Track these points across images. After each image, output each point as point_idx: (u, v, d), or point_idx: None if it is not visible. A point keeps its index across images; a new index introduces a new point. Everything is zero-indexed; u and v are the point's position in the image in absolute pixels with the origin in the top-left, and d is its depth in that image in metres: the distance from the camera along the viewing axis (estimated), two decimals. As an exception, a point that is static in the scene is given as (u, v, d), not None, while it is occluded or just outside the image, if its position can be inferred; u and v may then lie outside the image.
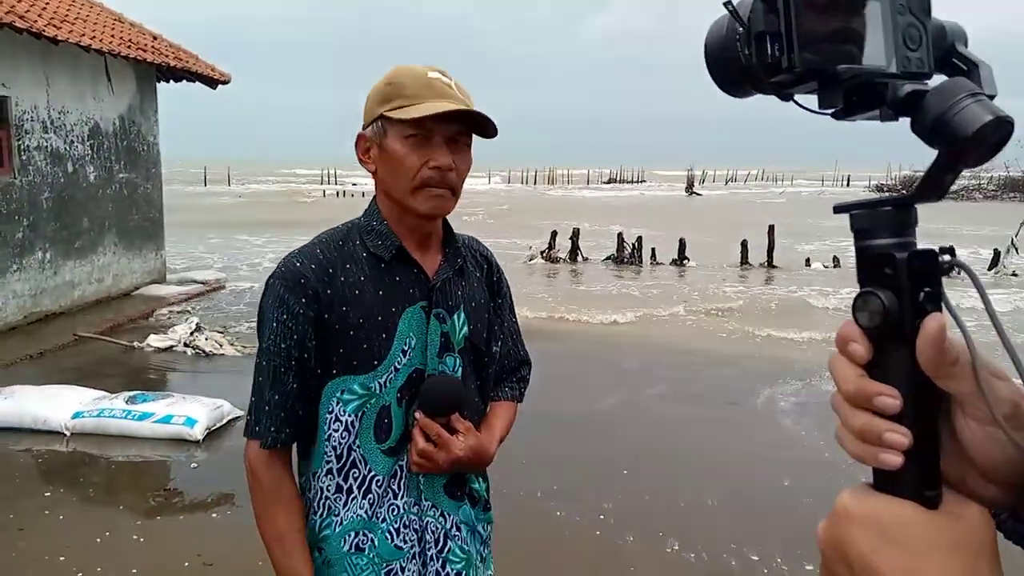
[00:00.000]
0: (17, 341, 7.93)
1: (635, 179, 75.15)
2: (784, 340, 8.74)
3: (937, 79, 0.52)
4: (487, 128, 1.37)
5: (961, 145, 0.48)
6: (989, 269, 14.13)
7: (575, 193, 51.25)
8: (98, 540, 3.75)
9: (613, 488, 4.49)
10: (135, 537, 3.78)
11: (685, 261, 14.82)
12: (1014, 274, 13.77)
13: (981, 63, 0.53)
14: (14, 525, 3.90)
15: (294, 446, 1.44)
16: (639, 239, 15.24)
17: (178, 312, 9.51)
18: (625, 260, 15.04)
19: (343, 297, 1.36)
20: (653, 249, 15.07)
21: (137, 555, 3.64)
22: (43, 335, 8.20)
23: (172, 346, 7.52)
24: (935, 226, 19.52)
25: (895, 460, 0.50)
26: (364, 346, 1.36)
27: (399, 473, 1.40)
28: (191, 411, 5.08)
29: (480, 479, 1.55)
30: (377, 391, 1.37)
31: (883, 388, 0.51)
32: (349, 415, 1.37)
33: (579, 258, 15.27)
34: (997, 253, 14.31)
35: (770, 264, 14.51)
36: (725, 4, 0.52)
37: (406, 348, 1.39)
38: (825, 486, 4.42)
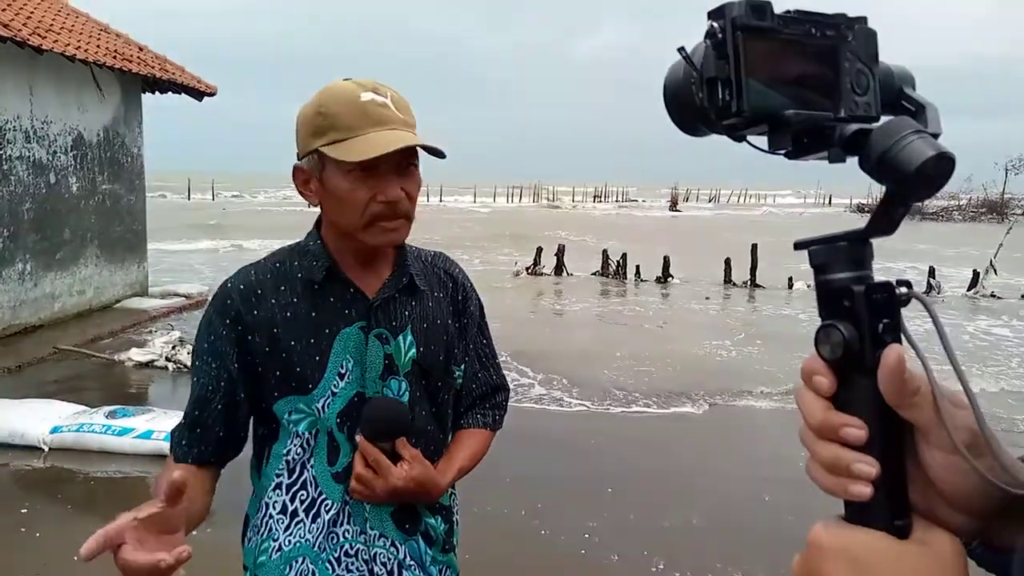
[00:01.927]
0: (-5, 353, 7.82)
1: (620, 197, 75.57)
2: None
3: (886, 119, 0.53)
4: (436, 152, 1.28)
5: (905, 180, 0.50)
6: (968, 290, 14.29)
7: (561, 210, 51.45)
8: (75, 558, 3.65)
9: (598, 507, 4.47)
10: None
11: (669, 278, 14.89)
12: (993, 295, 13.93)
13: (928, 104, 0.55)
14: (-11, 542, 3.83)
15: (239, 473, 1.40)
16: (624, 256, 15.30)
17: (160, 326, 9.42)
18: (610, 276, 15.09)
19: (273, 319, 1.31)
20: (637, 266, 15.12)
21: (116, 573, 3.58)
22: (22, 348, 8.09)
23: (153, 360, 7.44)
24: (920, 247, 19.77)
25: (864, 491, 0.51)
26: (297, 369, 1.31)
27: (345, 500, 1.34)
28: (172, 427, 4.99)
29: (437, 517, 1.43)
30: (319, 415, 1.32)
31: (849, 419, 0.52)
32: (304, 432, 1.33)
33: (564, 273, 15.30)
34: (976, 274, 14.48)
35: (753, 283, 14.60)
36: (679, 50, 0.54)
37: (343, 371, 1.32)
38: (809, 505, 4.42)
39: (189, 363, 7.31)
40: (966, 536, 0.53)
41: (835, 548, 0.51)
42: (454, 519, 1.49)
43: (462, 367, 1.48)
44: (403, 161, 1.27)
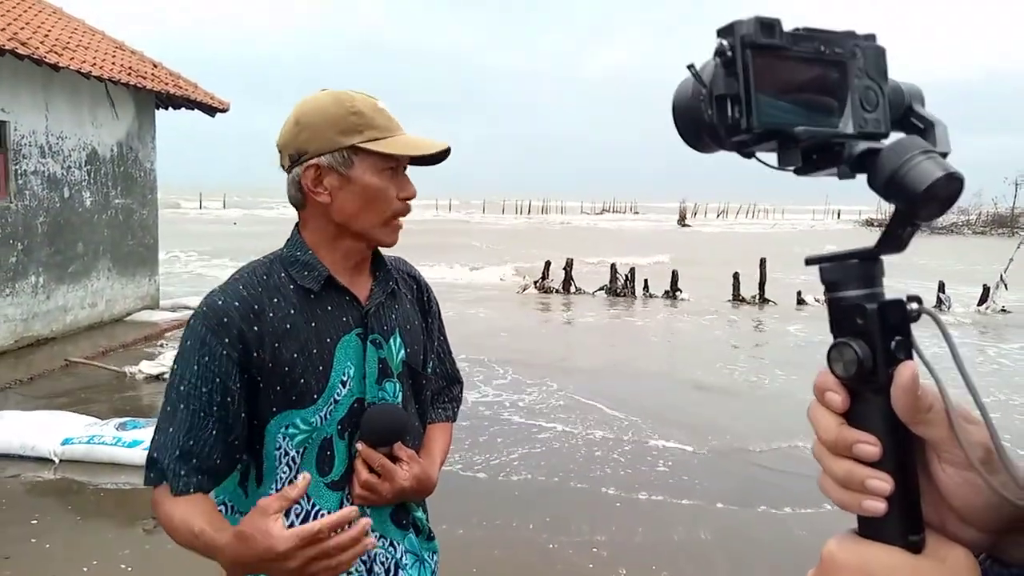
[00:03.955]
0: (7, 366, 7.87)
1: (628, 210, 75.60)
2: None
3: (895, 138, 0.54)
4: (432, 160, 1.39)
5: (914, 200, 0.50)
6: (979, 305, 14.19)
7: (569, 224, 51.45)
8: (85, 569, 3.69)
9: (606, 520, 4.46)
10: (123, 567, 3.74)
11: (677, 294, 14.86)
12: (1003, 310, 13.83)
13: (937, 122, 0.56)
14: (0, 553, 3.86)
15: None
16: (632, 271, 15.28)
17: (170, 339, 9.47)
18: (618, 292, 15.06)
19: (273, 333, 1.30)
20: (646, 281, 15.09)
21: (125, 584, 3.60)
22: (34, 360, 8.15)
23: (163, 373, 7.47)
24: (930, 262, 19.68)
25: (879, 506, 0.51)
26: (301, 381, 1.30)
27: (344, 507, 1.34)
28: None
29: (420, 509, 1.50)
30: (318, 424, 1.33)
31: (862, 436, 0.52)
32: (293, 450, 1.32)
33: (572, 288, 15.29)
34: (986, 289, 14.38)
35: (762, 298, 14.55)
36: (688, 67, 0.54)
37: (345, 379, 1.34)
38: (819, 521, 4.41)
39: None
40: (975, 551, 0.53)
41: (850, 564, 0.51)
42: (427, 510, 1.55)
43: (431, 364, 1.55)
44: (406, 165, 1.38)
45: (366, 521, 1.14)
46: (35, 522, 4.23)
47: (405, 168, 1.39)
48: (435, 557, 1.53)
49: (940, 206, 0.51)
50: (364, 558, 1.37)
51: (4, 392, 6.88)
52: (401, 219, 1.38)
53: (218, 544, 1.19)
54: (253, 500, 1.35)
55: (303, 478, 1.14)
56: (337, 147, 1.31)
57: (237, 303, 1.30)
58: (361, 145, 1.30)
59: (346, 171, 1.32)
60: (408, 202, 1.37)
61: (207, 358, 1.28)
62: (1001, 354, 10.22)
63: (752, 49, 0.51)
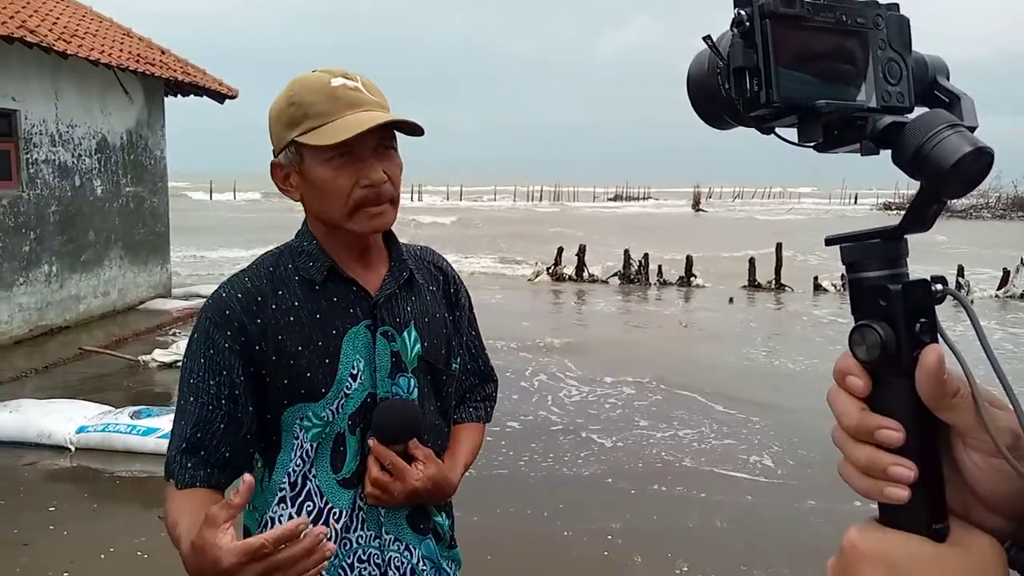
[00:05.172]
0: (23, 355, 7.94)
1: (641, 196, 75.30)
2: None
3: (920, 112, 0.52)
4: (413, 127, 1.26)
5: (941, 176, 0.48)
6: (998, 289, 14.02)
7: (582, 210, 51.34)
8: (102, 556, 3.72)
9: (620, 508, 4.44)
10: (139, 554, 3.76)
11: (692, 279, 14.77)
12: (1023, 296, 13.65)
13: (963, 95, 0.54)
14: (18, 540, 3.89)
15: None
16: (645, 256, 15.19)
17: (183, 327, 9.51)
18: (632, 278, 14.98)
19: (276, 326, 1.27)
20: (660, 267, 15.02)
21: (140, 572, 3.61)
22: (48, 349, 8.21)
23: (177, 361, 7.50)
24: (942, 245, 19.51)
25: (902, 494, 0.50)
26: (308, 375, 1.26)
27: (357, 506, 1.31)
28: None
29: (443, 514, 1.43)
30: (330, 419, 1.28)
31: (885, 421, 0.51)
32: (309, 442, 1.29)
33: (585, 275, 15.23)
34: (1006, 273, 14.21)
35: (778, 283, 14.43)
36: (705, 38, 0.53)
37: (355, 372, 1.29)
38: (835, 508, 4.37)
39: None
40: (1001, 538, 0.52)
41: (872, 552, 0.50)
42: (454, 514, 1.49)
43: (458, 360, 1.47)
44: (381, 143, 1.25)
45: (320, 529, 1.07)
46: (52, 509, 4.27)
47: (387, 148, 1.27)
48: (454, 567, 1.45)
49: (968, 182, 0.49)
50: (379, 561, 1.32)
51: (20, 381, 6.93)
52: (375, 207, 1.25)
53: (182, 553, 1.14)
54: (267, 493, 1.33)
55: (243, 482, 1.06)
56: (285, 144, 1.26)
57: (240, 295, 1.28)
58: (298, 139, 1.24)
59: (299, 167, 1.27)
60: (379, 187, 1.24)
61: (212, 351, 1.26)
62: (1010, 337, 10.11)
63: (771, 19, 0.49)
